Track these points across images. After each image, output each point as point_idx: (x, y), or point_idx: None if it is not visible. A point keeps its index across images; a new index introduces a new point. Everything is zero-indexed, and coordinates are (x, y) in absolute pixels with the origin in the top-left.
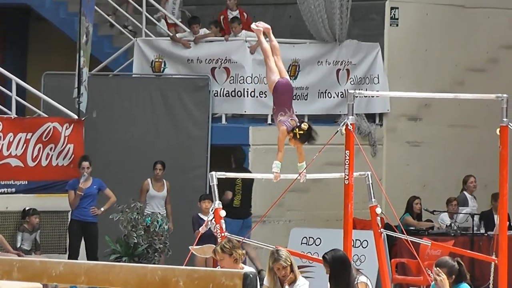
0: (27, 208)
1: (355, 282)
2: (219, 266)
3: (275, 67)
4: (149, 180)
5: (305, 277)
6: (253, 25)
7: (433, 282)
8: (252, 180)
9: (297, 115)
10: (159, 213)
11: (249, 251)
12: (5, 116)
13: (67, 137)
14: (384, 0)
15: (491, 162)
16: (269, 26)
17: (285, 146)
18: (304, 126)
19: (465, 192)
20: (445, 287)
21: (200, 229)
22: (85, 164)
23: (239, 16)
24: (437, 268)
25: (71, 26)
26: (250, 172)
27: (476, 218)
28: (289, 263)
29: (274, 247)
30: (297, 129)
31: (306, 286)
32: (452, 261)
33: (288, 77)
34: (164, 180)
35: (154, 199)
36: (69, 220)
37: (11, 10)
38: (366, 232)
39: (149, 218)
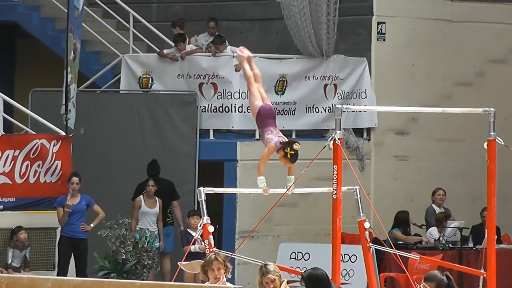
0: (13, 227)
1: None
2: (208, 282)
3: (258, 93)
4: (141, 197)
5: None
6: (238, 51)
7: None
8: (160, 191)
9: (284, 130)
10: (147, 229)
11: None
12: None
13: (55, 154)
14: (371, 15)
15: (479, 176)
16: (251, 55)
17: (275, 161)
18: (296, 146)
19: (433, 205)
20: None
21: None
22: (75, 179)
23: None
24: (426, 282)
25: (59, 43)
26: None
27: (467, 231)
28: (278, 275)
29: (263, 262)
30: (288, 149)
31: None
32: (441, 275)
33: (270, 103)
34: (156, 197)
35: (146, 216)
36: (59, 236)
37: None
38: (355, 247)
39: (138, 234)
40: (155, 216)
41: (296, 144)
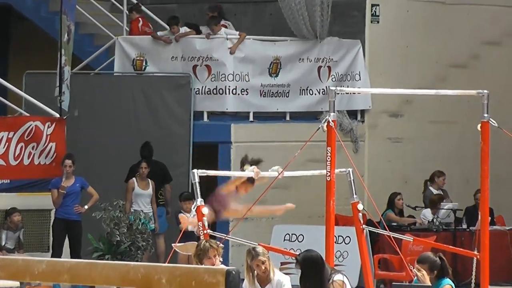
0: (8, 208)
1: (330, 281)
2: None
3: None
4: (134, 179)
5: (288, 274)
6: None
7: (415, 278)
8: (153, 173)
9: (278, 112)
10: (142, 211)
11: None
12: None
13: (49, 136)
14: None
15: (473, 158)
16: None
17: (269, 143)
18: (246, 167)
19: (431, 187)
20: (426, 283)
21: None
22: (68, 162)
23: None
24: (418, 264)
25: (52, 25)
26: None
27: (460, 213)
28: (267, 257)
29: (257, 244)
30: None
31: (287, 282)
32: (434, 256)
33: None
34: (149, 180)
35: (139, 198)
36: (53, 218)
37: None
38: (348, 229)
39: (132, 216)
40: (149, 197)
41: (247, 165)
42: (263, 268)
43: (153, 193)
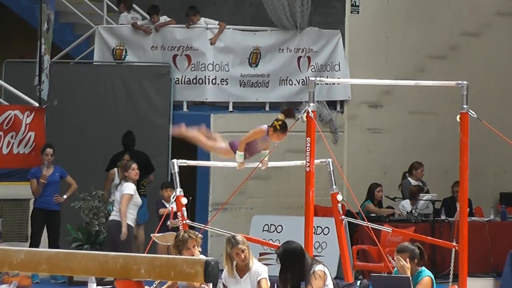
0: None
1: (311, 272)
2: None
3: (213, 137)
4: (115, 169)
5: (267, 264)
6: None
7: (396, 269)
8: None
9: (258, 102)
10: None
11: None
12: None
13: (28, 125)
14: None
15: (452, 149)
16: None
17: (245, 133)
18: (281, 116)
19: (409, 178)
20: (407, 273)
21: (160, 211)
22: (49, 151)
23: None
24: (399, 253)
25: (32, 14)
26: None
27: (439, 204)
28: (246, 245)
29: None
30: (275, 122)
31: (265, 271)
32: (412, 245)
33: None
34: None
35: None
36: (32, 208)
37: None
38: (328, 219)
39: (111, 206)
40: None
41: (280, 114)
42: (243, 256)
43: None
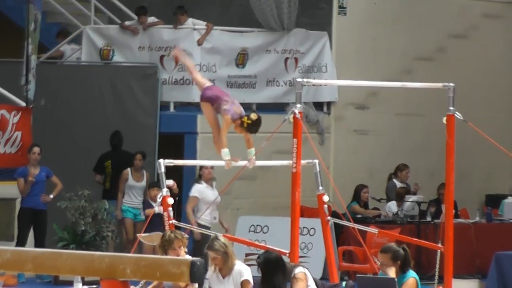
0: None
1: (292, 276)
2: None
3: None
4: (129, 169)
5: (252, 265)
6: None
7: (380, 271)
8: (122, 163)
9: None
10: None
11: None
12: None
13: (15, 125)
14: None
15: (438, 151)
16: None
17: (235, 134)
18: (254, 116)
19: (394, 180)
20: (387, 272)
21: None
22: (36, 149)
23: None
24: (381, 253)
25: (19, 13)
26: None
27: (425, 205)
28: (222, 252)
29: (222, 235)
30: (245, 118)
31: (247, 272)
32: (397, 247)
33: (209, 83)
34: (145, 171)
35: (132, 189)
36: (18, 207)
37: None
38: (314, 220)
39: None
40: (142, 189)
41: (254, 113)
42: (215, 262)
43: (146, 185)
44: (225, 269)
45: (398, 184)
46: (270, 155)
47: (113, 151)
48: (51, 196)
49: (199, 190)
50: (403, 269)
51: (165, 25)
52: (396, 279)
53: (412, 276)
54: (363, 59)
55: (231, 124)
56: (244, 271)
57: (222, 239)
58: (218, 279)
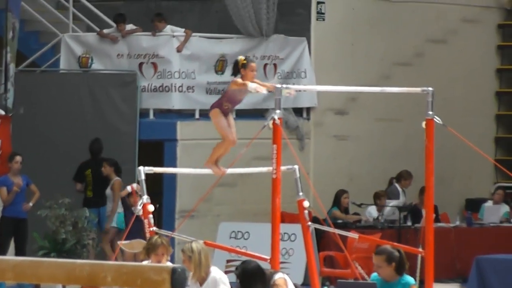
0: None
1: (271, 282)
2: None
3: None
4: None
5: (233, 272)
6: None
7: (375, 273)
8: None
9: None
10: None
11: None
12: None
13: None
14: None
15: (418, 156)
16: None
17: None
18: (240, 57)
19: (396, 185)
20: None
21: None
22: (18, 158)
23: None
24: (376, 255)
25: None
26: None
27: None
28: (188, 256)
29: (203, 241)
30: (237, 61)
31: (224, 279)
32: (392, 249)
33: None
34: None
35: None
36: (0, 217)
37: None
38: (294, 226)
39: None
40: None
41: (240, 57)
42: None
43: (111, 191)
44: (197, 275)
45: (400, 190)
46: (249, 162)
47: (93, 158)
48: (31, 204)
49: None
50: (399, 272)
51: (143, 32)
52: (377, 284)
53: (412, 283)
54: (342, 64)
55: (239, 85)
56: (221, 278)
57: (194, 245)
58: (196, 285)
